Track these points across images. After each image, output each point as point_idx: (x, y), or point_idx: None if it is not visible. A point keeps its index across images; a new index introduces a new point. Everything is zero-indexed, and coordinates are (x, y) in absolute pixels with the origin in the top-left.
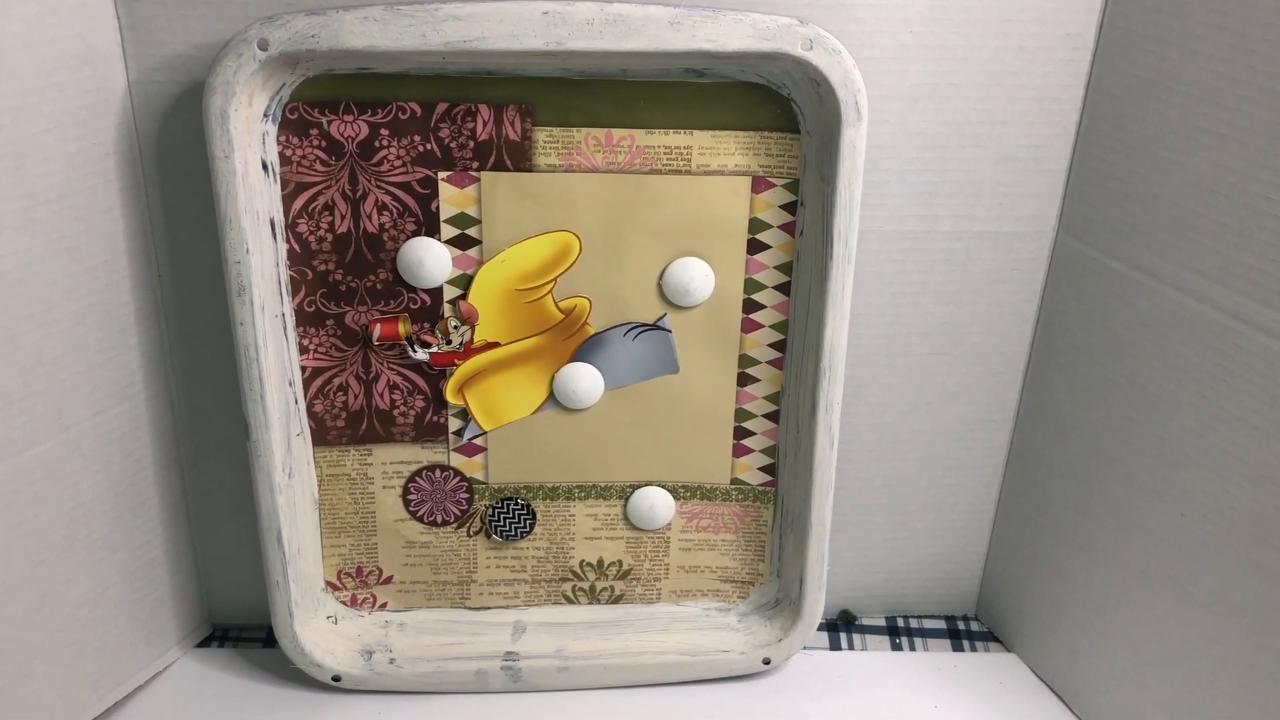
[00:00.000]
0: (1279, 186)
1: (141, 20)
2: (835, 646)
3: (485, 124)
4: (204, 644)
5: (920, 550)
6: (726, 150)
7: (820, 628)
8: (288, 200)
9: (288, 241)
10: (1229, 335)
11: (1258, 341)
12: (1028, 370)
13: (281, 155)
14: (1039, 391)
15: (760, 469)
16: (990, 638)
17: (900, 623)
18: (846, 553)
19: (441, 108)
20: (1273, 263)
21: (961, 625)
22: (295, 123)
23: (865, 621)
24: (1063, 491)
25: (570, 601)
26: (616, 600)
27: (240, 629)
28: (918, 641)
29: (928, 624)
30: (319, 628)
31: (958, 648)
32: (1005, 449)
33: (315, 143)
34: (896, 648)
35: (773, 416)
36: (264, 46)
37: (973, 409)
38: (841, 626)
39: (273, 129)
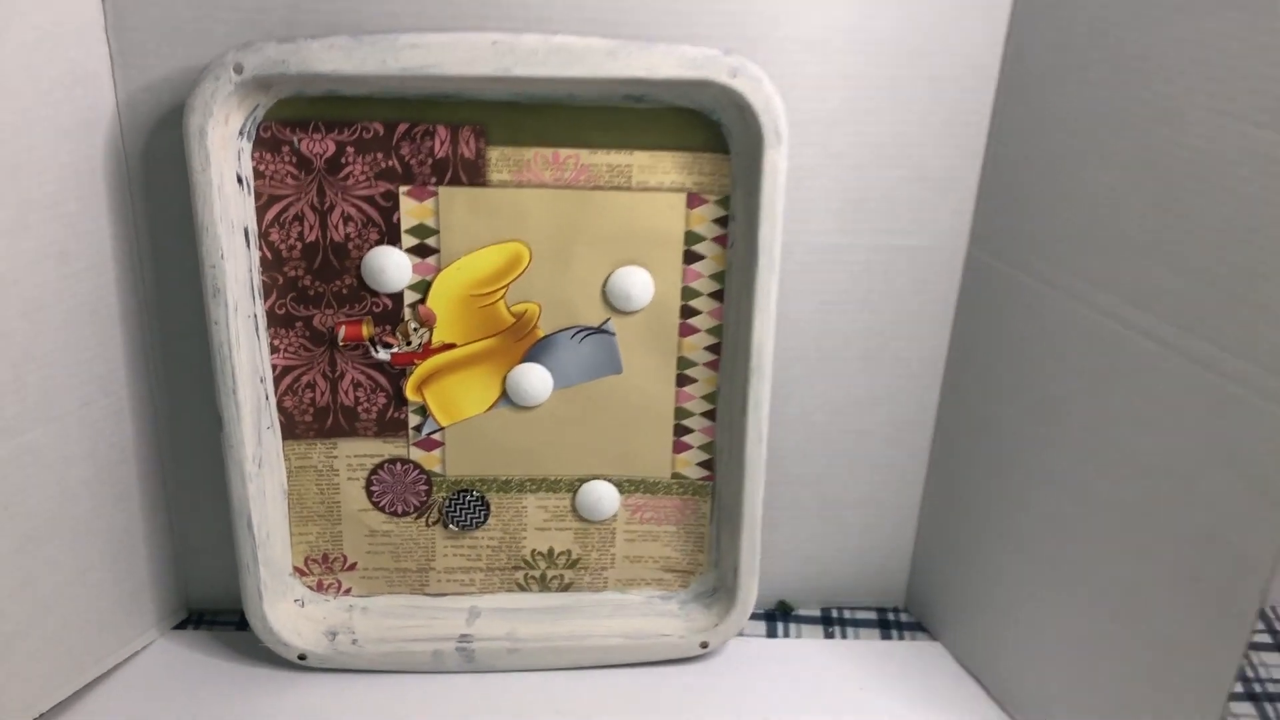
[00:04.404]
0: (1154, 204)
1: (130, 46)
2: (772, 635)
3: (443, 143)
4: (181, 626)
5: (852, 544)
6: (664, 169)
7: (759, 617)
8: (261, 211)
9: (260, 249)
10: (1113, 338)
11: (1136, 343)
12: (945, 375)
13: (255, 170)
14: (955, 394)
15: (699, 464)
16: (919, 628)
17: (834, 614)
18: (783, 545)
19: (402, 128)
20: (1147, 270)
21: (891, 616)
22: (268, 140)
23: (801, 612)
24: (980, 488)
25: (522, 589)
26: (566, 588)
27: (215, 613)
28: (850, 631)
29: (860, 615)
30: (287, 609)
31: (887, 637)
32: (928, 448)
33: (287, 159)
34: (829, 636)
35: (710, 415)
36: (239, 70)
37: (896, 411)
38: (779, 616)
39: (248, 146)
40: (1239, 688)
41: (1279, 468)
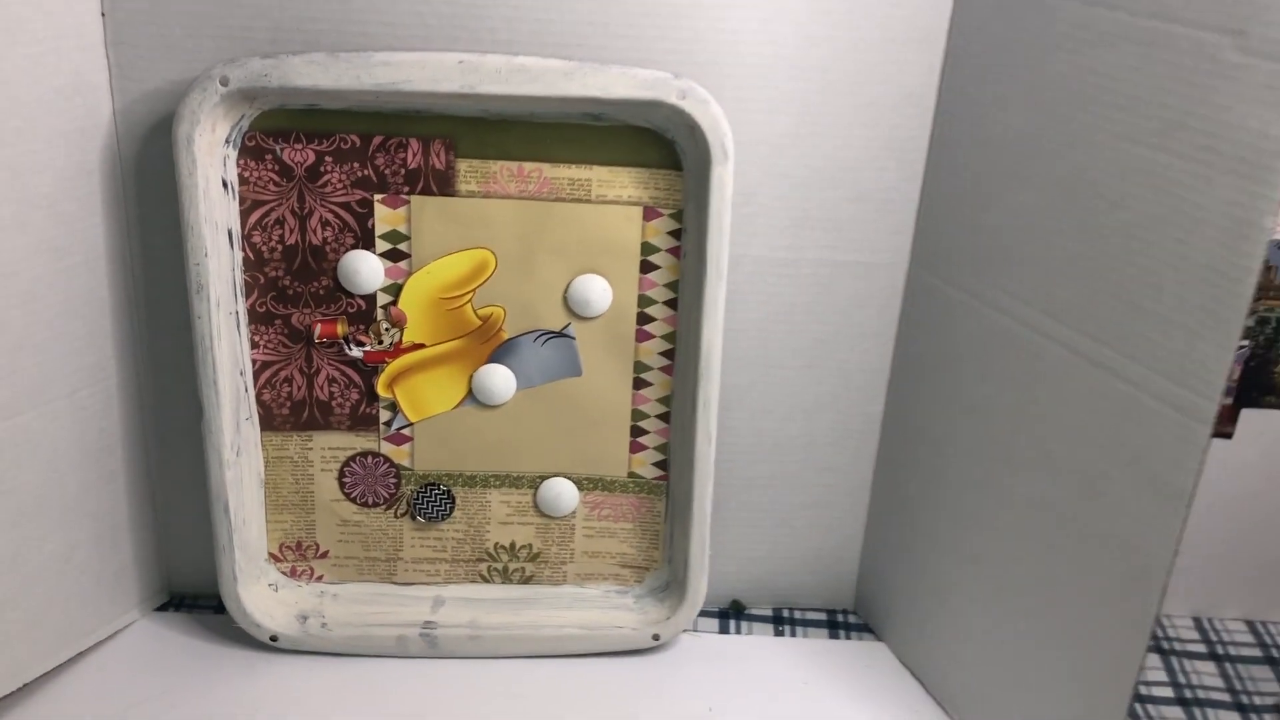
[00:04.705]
0: (1068, 222)
1: (127, 59)
2: (724, 631)
3: (415, 155)
4: (162, 609)
5: (802, 546)
6: (621, 183)
7: (712, 615)
8: (244, 215)
9: (243, 250)
10: (1033, 348)
11: (1052, 352)
12: (890, 384)
13: (240, 176)
14: (897, 404)
15: (654, 464)
16: (866, 629)
17: (785, 613)
18: (736, 546)
19: (377, 140)
20: (1062, 283)
21: (840, 617)
22: (253, 149)
23: (754, 611)
24: (920, 494)
25: (485, 580)
26: (527, 580)
27: (195, 596)
28: (799, 630)
29: (810, 615)
30: (261, 593)
31: (835, 637)
32: (873, 455)
33: (269, 167)
34: (779, 634)
35: (664, 417)
36: (225, 83)
37: (842, 418)
38: (732, 615)
39: (233, 153)
40: (1170, 693)
41: (1176, 469)
